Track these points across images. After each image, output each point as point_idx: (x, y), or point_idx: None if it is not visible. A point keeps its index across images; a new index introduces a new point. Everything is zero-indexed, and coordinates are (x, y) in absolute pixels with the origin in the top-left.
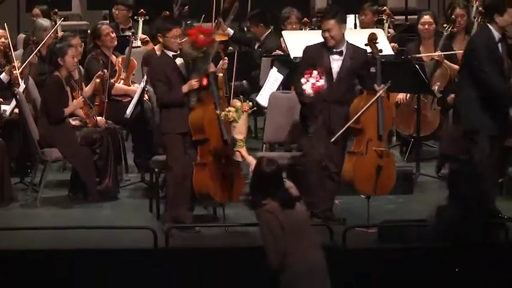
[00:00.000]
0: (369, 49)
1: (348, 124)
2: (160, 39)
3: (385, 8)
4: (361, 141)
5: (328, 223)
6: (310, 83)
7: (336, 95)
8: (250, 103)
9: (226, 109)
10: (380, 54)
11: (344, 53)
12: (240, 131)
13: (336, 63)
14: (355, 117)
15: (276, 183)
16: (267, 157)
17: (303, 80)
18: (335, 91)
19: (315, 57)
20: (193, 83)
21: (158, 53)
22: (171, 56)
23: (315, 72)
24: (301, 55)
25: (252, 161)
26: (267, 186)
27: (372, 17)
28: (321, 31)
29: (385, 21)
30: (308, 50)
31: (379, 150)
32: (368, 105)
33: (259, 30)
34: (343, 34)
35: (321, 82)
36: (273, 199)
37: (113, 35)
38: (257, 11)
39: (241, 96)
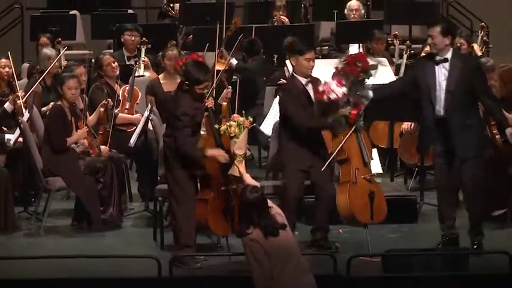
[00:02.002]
0: None
1: (333, 155)
2: (188, 88)
3: (396, 33)
4: (349, 171)
5: (321, 251)
6: (335, 86)
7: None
8: (251, 119)
9: (228, 123)
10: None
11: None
12: (239, 147)
13: (310, 90)
14: (339, 147)
15: (259, 211)
16: (251, 185)
17: (332, 96)
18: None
19: (297, 88)
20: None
21: (163, 81)
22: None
23: (322, 88)
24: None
25: (248, 178)
26: (250, 214)
27: (382, 45)
28: (320, 60)
29: (396, 47)
30: (287, 86)
31: (367, 177)
32: (348, 135)
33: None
34: None
35: (329, 81)
36: (256, 227)
37: (114, 64)
38: (247, 40)
39: (243, 112)
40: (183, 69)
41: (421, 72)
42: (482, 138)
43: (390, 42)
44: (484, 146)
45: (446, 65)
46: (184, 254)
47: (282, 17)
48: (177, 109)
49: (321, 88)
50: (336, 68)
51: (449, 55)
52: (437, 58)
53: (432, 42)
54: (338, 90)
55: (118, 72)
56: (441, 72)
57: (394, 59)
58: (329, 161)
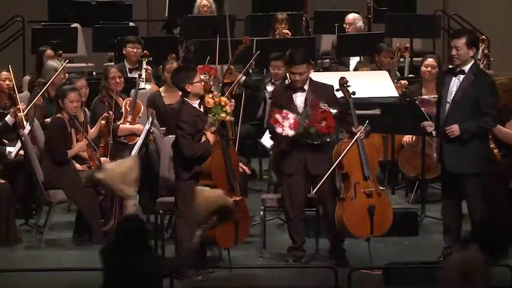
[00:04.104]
0: (341, 93)
1: (330, 171)
2: (189, 89)
3: (407, 45)
4: (349, 186)
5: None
6: (287, 126)
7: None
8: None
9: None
10: (353, 96)
11: (306, 88)
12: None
13: (299, 98)
14: (336, 163)
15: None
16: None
17: (278, 130)
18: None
19: (280, 97)
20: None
21: (164, 94)
22: (196, 105)
23: (277, 117)
24: None
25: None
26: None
27: (391, 58)
28: (321, 73)
29: (397, 56)
30: (274, 91)
31: (367, 191)
32: (348, 148)
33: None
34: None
35: (292, 117)
36: None
37: (119, 80)
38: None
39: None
40: (172, 82)
41: (441, 86)
42: (480, 155)
43: (401, 54)
44: (481, 165)
45: (462, 76)
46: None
47: (284, 30)
48: (178, 118)
49: (278, 116)
50: (314, 106)
51: (467, 67)
52: (457, 70)
53: (457, 53)
54: (287, 131)
55: (121, 87)
56: (455, 84)
57: (398, 73)
58: (323, 179)
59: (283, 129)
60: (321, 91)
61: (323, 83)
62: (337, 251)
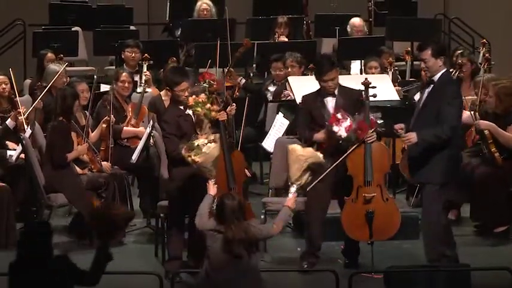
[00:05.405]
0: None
1: (328, 170)
2: (169, 93)
3: (408, 49)
4: (353, 188)
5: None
6: (343, 127)
7: None
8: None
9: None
10: (373, 100)
11: (336, 93)
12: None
13: (330, 103)
14: (336, 163)
15: None
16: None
17: (335, 128)
18: None
19: (311, 104)
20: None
21: (164, 98)
22: (181, 107)
23: (338, 115)
24: None
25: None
26: None
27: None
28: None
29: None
30: (304, 99)
31: (368, 196)
32: (351, 150)
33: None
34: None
35: (349, 120)
36: None
37: (128, 85)
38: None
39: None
40: (165, 77)
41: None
42: (442, 167)
43: (401, 58)
44: (443, 177)
45: (431, 86)
46: (188, 270)
47: (281, 36)
48: (162, 118)
49: (339, 116)
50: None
51: (437, 77)
52: (429, 80)
53: (426, 66)
54: (342, 132)
55: (127, 93)
56: (426, 94)
57: (399, 77)
58: (319, 179)
59: (339, 129)
60: (350, 95)
61: (351, 88)
62: (351, 250)
